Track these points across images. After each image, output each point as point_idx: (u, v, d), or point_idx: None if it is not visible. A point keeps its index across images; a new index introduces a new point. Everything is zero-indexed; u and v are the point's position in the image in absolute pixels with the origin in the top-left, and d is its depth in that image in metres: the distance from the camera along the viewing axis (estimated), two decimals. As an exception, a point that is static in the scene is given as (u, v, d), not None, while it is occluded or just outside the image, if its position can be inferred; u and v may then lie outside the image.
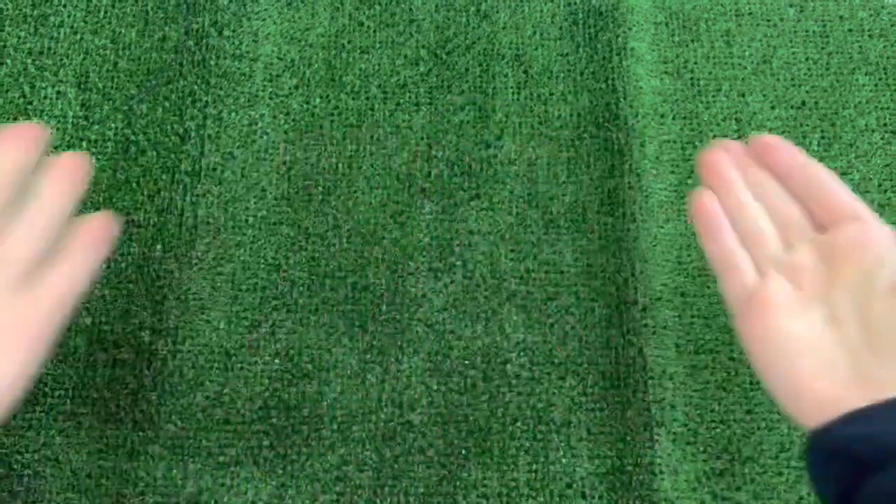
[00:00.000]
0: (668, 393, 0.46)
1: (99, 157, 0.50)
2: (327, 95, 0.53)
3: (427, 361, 0.46)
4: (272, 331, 0.47)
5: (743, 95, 0.55)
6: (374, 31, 0.55)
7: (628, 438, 0.45)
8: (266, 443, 0.45)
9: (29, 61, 0.52)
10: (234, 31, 0.54)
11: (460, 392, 0.46)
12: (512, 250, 0.49)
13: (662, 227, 0.50)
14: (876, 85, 0.55)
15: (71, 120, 0.51)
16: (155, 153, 0.50)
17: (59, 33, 0.52)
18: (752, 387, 0.46)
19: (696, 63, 0.56)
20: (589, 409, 0.46)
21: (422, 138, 0.52)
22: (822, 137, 0.53)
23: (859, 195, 0.49)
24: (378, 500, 0.44)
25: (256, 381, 0.46)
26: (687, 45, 0.56)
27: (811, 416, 0.28)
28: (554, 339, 0.47)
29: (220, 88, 0.52)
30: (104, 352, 0.46)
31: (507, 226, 0.50)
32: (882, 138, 0.53)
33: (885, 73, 0.55)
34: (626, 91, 0.53)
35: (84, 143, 0.50)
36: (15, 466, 0.43)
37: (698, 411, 0.46)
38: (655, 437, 0.45)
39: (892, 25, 0.57)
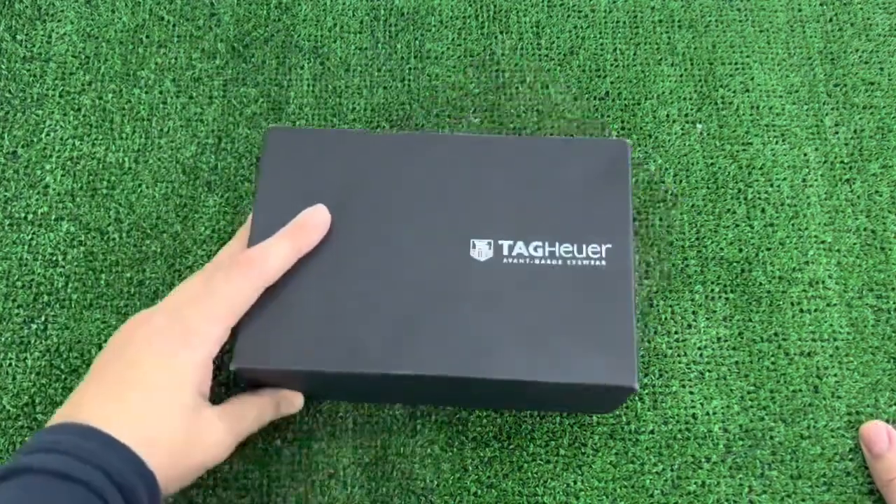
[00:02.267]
0: (437, 383, 0.46)
1: None
2: (120, 90, 0.53)
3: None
4: (44, 327, 0.47)
5: (546, 87, 0.55)
6: (174, 26, 0.54)
7: (394, 428, 0.45)
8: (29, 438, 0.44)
9: None
10: (27, 34, 0.54)
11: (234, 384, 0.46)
12: (295, 243, 0.49)
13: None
14: (681, 76, 0.55)
15: None
16: (-62, 149, 0.50)
17: None
18: (525, 376, 0.46)
19: (503, 55, 0.56)
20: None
21: (212, 131, 0.52)
22: (623, 128, 0.54)
23: (652, 185, 0.50)
24: (137, 495, 0.43)
25: (24, 377, 0.46)
26: (496, 37, 0.56)
27: None
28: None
29: (8, 91, 0.52)
30: None
31: (292, 218, 0.49)
32: (682, 129, 0.54)
33: (691, 64, 0.56)
34: (420, 92, 0.53)
35: None
36: None
37: (470, 401, 0.46)
38: (418, 427, 0.45)
39: (702, 16, 0.57)
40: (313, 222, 0.39)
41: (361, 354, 0.37)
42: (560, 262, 0.39)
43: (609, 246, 0.39)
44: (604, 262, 0.39)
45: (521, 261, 0.39)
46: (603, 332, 0.37)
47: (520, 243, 0.39)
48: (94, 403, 0.34)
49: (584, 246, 0.39)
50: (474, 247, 0.39)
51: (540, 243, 0.39)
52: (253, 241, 0.39)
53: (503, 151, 0.42)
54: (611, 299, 0.38)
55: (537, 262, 0.39)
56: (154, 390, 0.34)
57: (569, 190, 0.41)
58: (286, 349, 0.37)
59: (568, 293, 0.39)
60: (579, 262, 0.39)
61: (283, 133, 0.41)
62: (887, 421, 0.46)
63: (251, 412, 0.40)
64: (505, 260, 0.39)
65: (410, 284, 0.38)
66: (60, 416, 0.34)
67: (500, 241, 0.39)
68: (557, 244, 0.39)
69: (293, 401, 0.43)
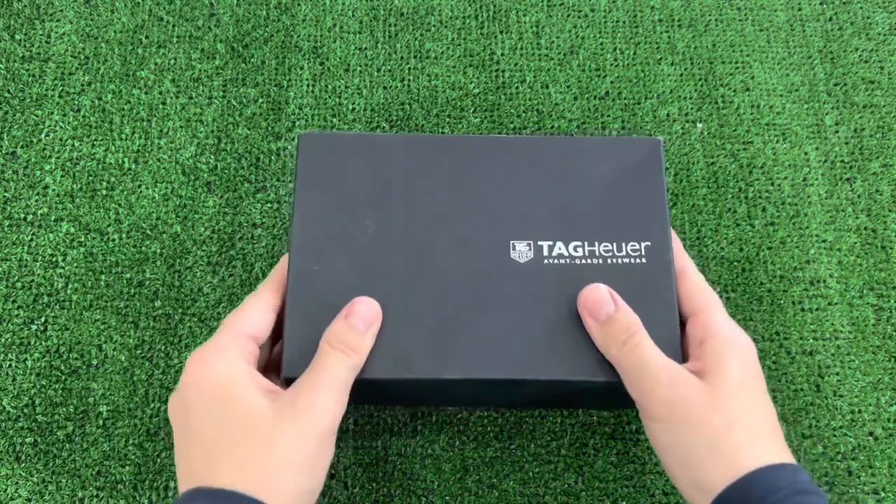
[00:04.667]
0: (437, 383, 0.46)
1: None
2: (120, 91, 0.52)
3: (195, 355, 0.46)
4: (44, 327, 0.47)
5: (546, 87, 0.55)
6: (173, 26, 0.54)
7: (395, 429, 0.45)
8: (29, 439, 0.44)
9: None
10: (26, 33, 0.53)
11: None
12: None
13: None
14: (681, 75, 0.55)
15: None
16: (-63, 150, 0.50)
17: None
18: (526, 376, 0.46)
19: (502, 55, 0.56)
20: (358, 400, 0.46)
21: (212, 131, 0.52)
22: (623, 127, 0.54)
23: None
24: (138, 495, 0.43)
25: (24, 377, 0.46)
26: (495, 37, 0.56)
27: None
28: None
29: (7, 91, 0.52)
30: None
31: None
32: (682, 128, 0.54)
33: (691, 63, 0.56)
34: (419, 92, 0.53)
35: None
36: None
37: (471, 401, 0.46)
38: (419, 428, 0.45)
39: (702, 16, 0.57)
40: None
41: (408, 360, 0.37)
42: (600, 261, 0.39)
43: (648, 244, 0.39)
44: (644, 260, 0.39)
45: (562, 261, 0.39)
46: (648, 329, 0.37)
47: (559, 244, 0.39)
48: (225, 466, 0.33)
49: (624, 244, 0.39)
50: (514, 248, 0.39)
51: (579, 243, 0.39)
52: (294, 251, 0.38)
53: (536, 152, 0.41)
54: (654, 296, 0.38)
55: (578, 262, 0.39)
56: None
57: (605, 189, 0.41)
58: None
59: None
60: (619, 261, 0.39)
61: (315, 138, 0.41)
62: (887, 420, 0.46)
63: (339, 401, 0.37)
64: (546, 261, 0.39)
65: (453, 288, 0.38)
66: (188, 481, 0.33)
67: (539, 242, 0.39)
68: (597, 244, 0.39)
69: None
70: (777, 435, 0.35)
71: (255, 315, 0.36)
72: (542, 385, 0.38)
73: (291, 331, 0.37)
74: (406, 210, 0.40)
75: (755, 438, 0.34)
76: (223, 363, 0.34)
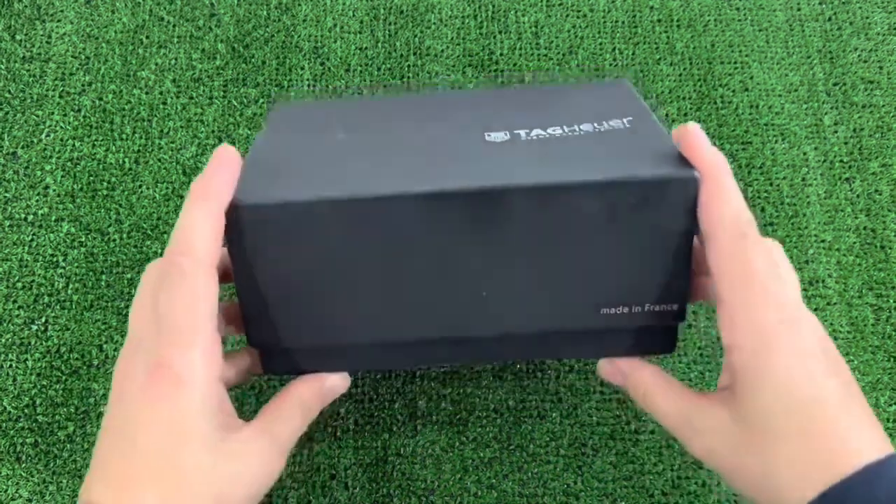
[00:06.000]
0: (437, 383, 0.46)
1: None
2: (120, 91, 0.53)
3: (195, 355, 0.46)
4: (45, 328, 0.47)
5: (546, 86, 0.55)
6: (174, 26, 0.54)
7: (394, 429, 0.45)
8: (30, 440, 0.45)
9: None
10: (26, 34, 0.54)
11: (234, 386, 0.46)
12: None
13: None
14: (680, 75, 0.55)
15: None
16: (-62, 151, 0.50)
17: None
18: (526, 375, 0.47)
19: (501, 55, 0.56)
20: (357, 400, 0.46)
21: (212, 131, 0.52)
22: (622, 127, 0.54)
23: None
24: (138, 496, 0.44)
25: (25, 378, 0.46)
26: (494, 37, 0.56)
27: None
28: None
29: (8, 92, 0.52)
30: None
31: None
32: (681, 127, 0.54)
33: (690, 64, 0.56)
34: (419, 89, 0.54)
35: None
36: None
37: (471, 401, 0.46)
38: (419, 428, 0.45)
39: (701, 16, 0.57)
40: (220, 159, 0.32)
41: (379, 181, 0.32)
42: (581, 132, 0.36)
43: (630, 118, 0.37)
44: (628, 125, 0.36)
45: (541, 137, 0.35)
46: (643, 146, 0.33)
47: (537, 130, 0.36)
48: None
49: (605, 122, 0.36)
50: (489, 135, 0.36)
51: (559, 127, 0.36)
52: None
53: (510, 99, 0.41)
54: (643, 130, 0.35)
55: (557, 135, 0.35)
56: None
57: (580, 101, 0.40)
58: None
59: (595, 144, 0.35)
60: (604, 127, 0.36)
61: (286, 104, 0.42)
62: (887, 420, 0.46)
63: (293, 411, 0.34)
64: (523, 139, 0.35)
65: (424, 154, 0.35)
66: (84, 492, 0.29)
67: (516, 131, 0.36)
68: (577, 125, 0.36)
69: (337, 382, 0.37)
70: (859, 419, 0.28)
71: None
72: (528, 208, 0.31)
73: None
74: (378, 130, 0.38)
75: (807, 470, 0.28)
76: (192, 402, 0.29)
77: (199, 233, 0.30)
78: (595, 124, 0.36)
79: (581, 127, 0.36)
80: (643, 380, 0.35)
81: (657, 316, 0.34)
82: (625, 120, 0.36)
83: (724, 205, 0.31)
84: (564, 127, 0.36)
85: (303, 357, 0.36)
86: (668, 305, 0.34)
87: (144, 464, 0.28)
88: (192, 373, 0.29)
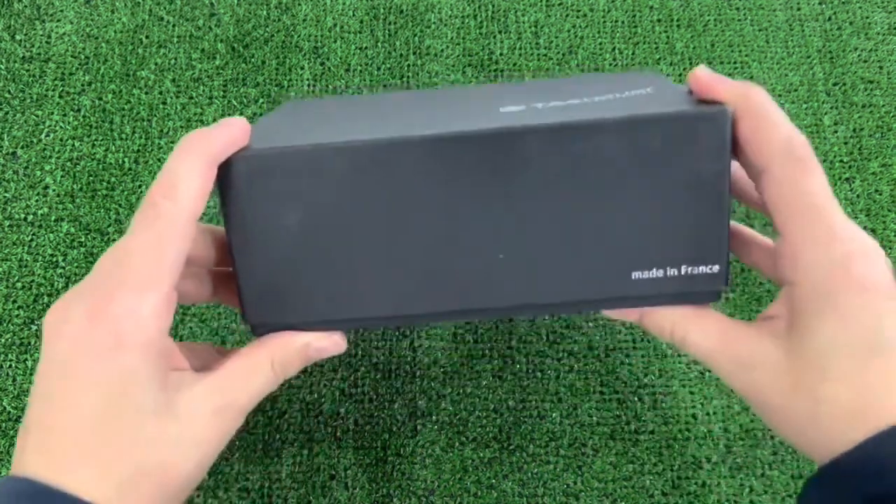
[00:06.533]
0: (437, 383, 0.46)
1: None
2: (120, 91, 0.53)
3: (195, 355, 0.46)
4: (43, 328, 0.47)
5: (546, 86, 0.55)
6: (174, 26, 0.54)
7: (394, 429, 0.45)
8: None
9: None
10: (26, 34, 0.53)
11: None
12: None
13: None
14: (680, 75, 0.55)
15: None
16: (-62, 151, 0.50)
17: None
18: (526, 375, 0.47)
19: (501, 55, 0.56)
20: (358, 400, 0.46)
21: (212, 133, 0.52)
22: (622, 127, 0.54)
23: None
24: (138, 496, 0.44)
25: (25, 378, 0.46)
26: (494, 37, 0.56)
27: None
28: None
29: (7, 92, 0.52)
30: None
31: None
32: (681, 127, 0.54)
33: (690, 63, 0.56)
34: (419, 89, 0.54)
35: None
36: None
37: (471, 400, 0.46)
38: (419, 428, 0.45)
39: (700, 15, 0.57)
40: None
41: (386, 129, 0.30)
42: (601, 100, 0.33)
43: (652, 87, 0.34)
44: (651, 91, 0.34)
45: (558, 105, 0.33)
46: (667, 101, 0.31)
47: (555, 101, 0.33)
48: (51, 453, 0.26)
49: (627, 91, 0.34)
50: (504, 108, 0.33)
51: (577, 98, 0.33)
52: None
53: (524, 86, 0.41)
54: (668, 92, 0.33)
55: (576, 103, 0.33)
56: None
57: (599, 80, 0.38)
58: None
59: (617, 103, 0.32)
60: (622, 96, 0.33)
61: (296, 99, 0.42)
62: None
63: (259, 369, 0.30)
64: (539, 108, 0.32)
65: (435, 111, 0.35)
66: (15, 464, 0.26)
67: (532, 104, 0.33)
68: (596, 97, 0.34)
69: (324, 343, 0.33)
70: None
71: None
72: (545, 151, 0.29)
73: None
74: (387, 110, 0.38)
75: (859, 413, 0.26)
76: (134, 359, 0.26)
77: (184, 178, 0.27)
78: (616, 94, 0.33)
79: (601, 97, 0.33)
80: (666, 314, 0.31)
81: (696, 280, 0.30)
82: (648, 88, 0.34)
83: (773, 129, 0.27)
84: (584, 98, 0.33)
85: (291, 310, 0.32)
86: (708, 267, 0.30)
87: (81, 431, 0.26)
88: (137, 322, 0.26)
